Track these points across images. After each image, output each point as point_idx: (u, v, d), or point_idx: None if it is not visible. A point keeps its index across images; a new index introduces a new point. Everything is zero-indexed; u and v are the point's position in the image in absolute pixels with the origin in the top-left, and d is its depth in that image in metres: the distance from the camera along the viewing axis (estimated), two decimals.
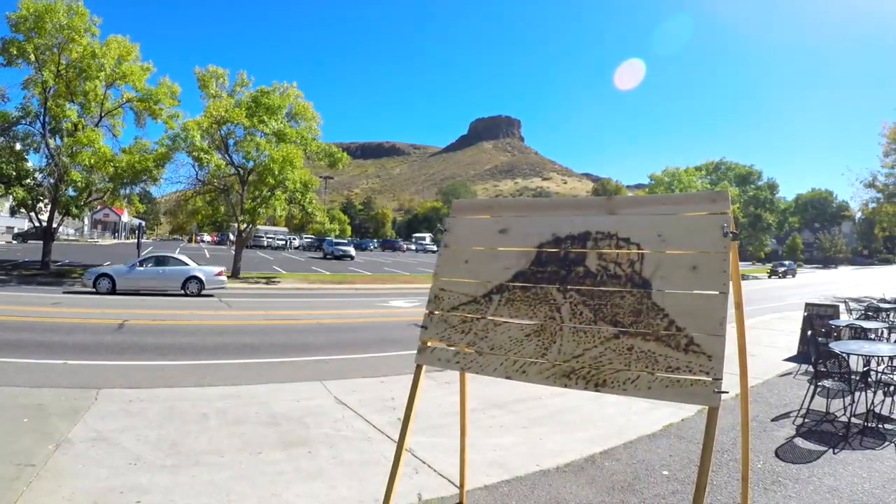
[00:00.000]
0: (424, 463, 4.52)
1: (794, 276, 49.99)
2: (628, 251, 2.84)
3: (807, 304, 11.03)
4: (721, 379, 2.35)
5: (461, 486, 3.89)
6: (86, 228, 68.72)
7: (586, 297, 2.84)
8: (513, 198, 49.56)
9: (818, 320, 10.23)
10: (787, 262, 55.15)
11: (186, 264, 18.53)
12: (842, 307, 11.85)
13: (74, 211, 23.63)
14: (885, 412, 6.20)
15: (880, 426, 5.94)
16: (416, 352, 3.29)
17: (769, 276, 48.04)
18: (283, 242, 63.67)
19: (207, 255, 43.56)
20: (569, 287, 2.91)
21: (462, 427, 3.81)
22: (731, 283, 2.63)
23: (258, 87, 25.44)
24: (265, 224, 53.83)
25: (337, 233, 41.49)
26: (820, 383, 6.13)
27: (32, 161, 23.62)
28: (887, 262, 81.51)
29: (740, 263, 3.08)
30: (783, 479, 4.45)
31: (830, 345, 6.76)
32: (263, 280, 23.77)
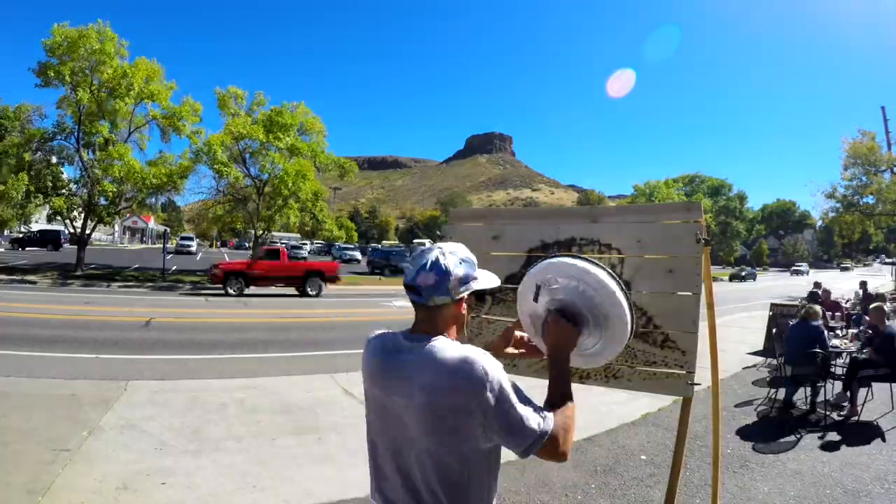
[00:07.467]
0: None
1: (754, 279, 50.20)
2: (610, 255, 2.86)
3: (772, 305, 11.06)
4: (694, 372, 2.37)
5: None
6: (116, 234, 68.50)
7: None
8: (505, 207, 49.67)
9: (782, 318, 10.25)
10: (747, 269, 55.57)
11: None
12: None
13: (106, 219, 23.63)
14: (841, 402, 6.22)
15: (837, 415, 5.96)
16: None
17: (730, 280, 47.34)
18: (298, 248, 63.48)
19: (227, 259, 43.51)
20: None
21: None
22: (703, 285, 2.65)
23: (272, 106, 25.48)
24: (279, 230, 53.79)
25: (344, 239, 41.67)
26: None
27: (67, 173, 23.75)
28: (846, 269, 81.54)
29: (712, 267, 3.09)
30: (750, 462, 4.46)
31: None
32: None
